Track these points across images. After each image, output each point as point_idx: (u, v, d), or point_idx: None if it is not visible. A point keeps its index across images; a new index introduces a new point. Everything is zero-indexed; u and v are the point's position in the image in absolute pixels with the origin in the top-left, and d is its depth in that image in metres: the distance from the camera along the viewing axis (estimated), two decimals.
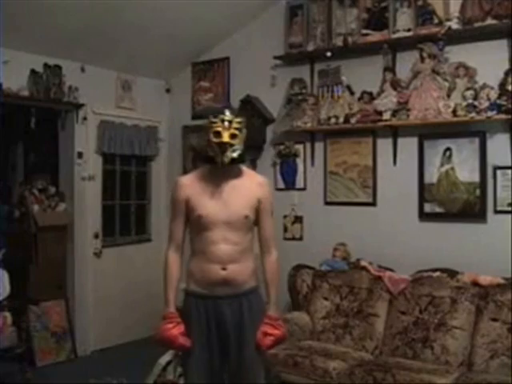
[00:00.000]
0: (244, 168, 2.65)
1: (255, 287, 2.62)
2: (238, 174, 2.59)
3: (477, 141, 4.05)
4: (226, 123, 2.49)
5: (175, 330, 2.50)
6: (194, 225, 2.56)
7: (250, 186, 2.59)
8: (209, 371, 2.52)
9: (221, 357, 2.53)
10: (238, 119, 2.52)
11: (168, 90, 5.86)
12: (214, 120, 2.50)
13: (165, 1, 4.42)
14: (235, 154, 2.50)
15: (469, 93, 3.99)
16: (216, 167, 2.53)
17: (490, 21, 3.98)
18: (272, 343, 2.55)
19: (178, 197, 2.59)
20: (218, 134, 2.48)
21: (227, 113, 2.52)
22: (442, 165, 4.21)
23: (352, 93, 4.59)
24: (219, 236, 2.50)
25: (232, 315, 2.51)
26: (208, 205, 2.51)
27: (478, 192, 4.05)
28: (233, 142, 2.49)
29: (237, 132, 2.50)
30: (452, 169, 4.17)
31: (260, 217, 2.63)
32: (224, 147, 2.47)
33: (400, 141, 4.44)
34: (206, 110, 2.60)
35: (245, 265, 2.57)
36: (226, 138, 2.47)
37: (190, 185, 2.58)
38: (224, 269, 2.50)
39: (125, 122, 5.41)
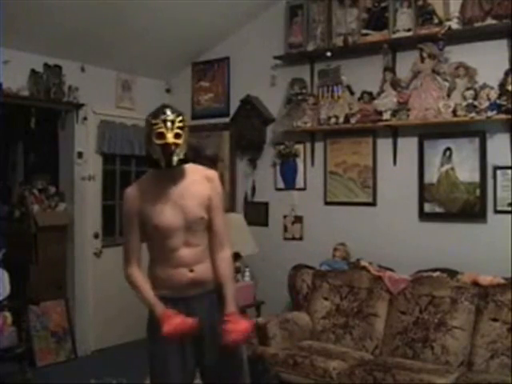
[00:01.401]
0: (189, 165, 2.49)
1: (219, 285, 2.55)
2: (184, 173, 2.46)
3: (477, 141, 4.05)
4: (169, 123, 2.34)
5: (178, 317, 2.36)
6: (152, 234, 2.45)
7: (199, 184, 2.47)
8: (181, 374, 2.45)
9: (194, 357, 2.47)
10: (181, 118, 2.38)
11: (168, 90, 5.86)
12: (155, 121, 2.35)
13: (165, 1, 4.42)
14: (182, 155, 2.38)
15: (469, 93, 3.99)
16: (162, 171, 2.40)
17: (489, 21, 3.98)
18: (240, 337, 2.42)
19: (130, 210, 2.45)
20: (162, 136, 2.34)
21: (168, 112, 2.37)
22: (442, 165, 4.21)
23: (352, 93, 4.59)
24: (180, 241, 2.42)
25: (205, 314, 2.45)
26: (163, 212, 2.40)
27: (477, 192, 4.05)
28: (178, 142, 2.35)
29: (180, 131, 2.36)
30: (452, 169, 4.17)
31: (211, 214, 2.49)
32: (169, 149, 2.33)
33: (400, 141, 4.44)
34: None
35: (208, 264, 2.50)
36: (170, 139, 2.33)
37: (140, 195, 2.44)
38: (192, 271, 2.43)
39: (125, 122, 5.41)
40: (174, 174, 2.44)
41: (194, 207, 2.44)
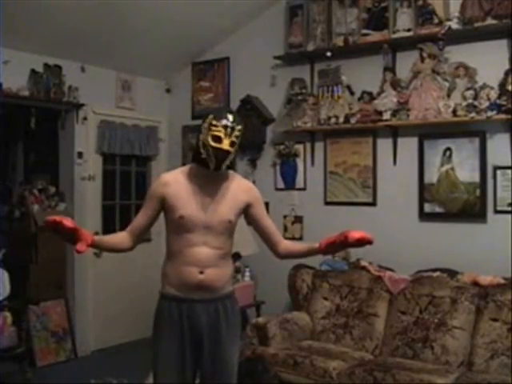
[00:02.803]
0: (230, 171, 2.56)
1: (231, 292, 2.56)
2: (224, 177, 2.50)
3: (477, 141, 4.05)
4: (229, 130, 2.37)
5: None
6: (174, 225, 2.46)
7: (236, 191, 2.51)
8: (180, 375, 2.45)
9: (193, 361, 2.46)
10: (240, 127, 2.41)
11: (168, 90, 5.86)
12: (216, 123, 2.38)
13: (165, 1, 4.42)
14: (228, 162, 2.42)
15: (469, 93, 3.99)
16: (204, 169, 2.43)
17: (490, 21, 3.99)
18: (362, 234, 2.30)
19: (156, 194, 2.48)
20: (218, 140, 2.36)
21: (231, 118, 2.39)
22: (442, 165, 4.21)
23: (352, 93, 4.59)
24: (199, 239, 2.42)
25: (207, 319, 2.44)
26: (190, 206, 2.42)
27: (477, 192, 4.05)
28: (231, 150, 2.38)
29: (236, 140, 2.40)
30: (452, 169, 4.17)
31: (259, 218, 2.58)
32: (222, 155, 2.37)
33: (400, 141, 4.44)
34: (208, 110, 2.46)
35: (223, 270, 2.49)
36: (226, 145, 2.36)
37: (173, 184, 2.46)
38: (201, 272, 2.42)
39: (125, 121, 5.41)
40: (215, 175, 2.46)
41: (223, 209, 2.46)
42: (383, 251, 4.35)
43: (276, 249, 2.61)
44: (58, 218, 2.23)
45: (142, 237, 2.60)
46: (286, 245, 2.62)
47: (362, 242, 2.30)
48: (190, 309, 2.44)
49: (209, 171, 2.42)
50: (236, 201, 2.50)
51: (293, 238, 4.96)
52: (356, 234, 2.28)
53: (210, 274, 2.43)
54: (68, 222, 2.24)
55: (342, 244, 2.33)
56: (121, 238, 2.55)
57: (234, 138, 2.39)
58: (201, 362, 2.48)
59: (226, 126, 2.37)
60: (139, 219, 2.54)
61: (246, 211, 2.56)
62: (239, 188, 2.53)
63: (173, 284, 2.47)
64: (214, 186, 2.47)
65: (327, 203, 4.80)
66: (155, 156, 5.76)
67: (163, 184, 2.47)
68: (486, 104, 3.91)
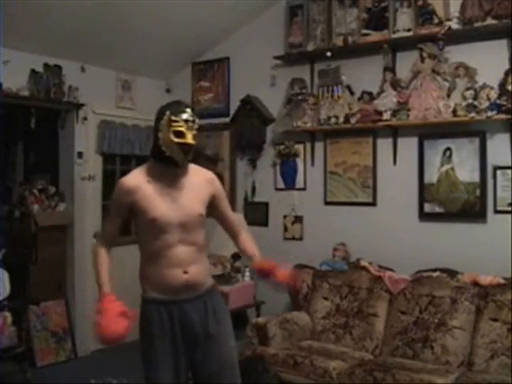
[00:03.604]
0: (190, 164, 2.54)
1: (213, 285, 2.57)
2: (185, 171, 2.48)
3: (477, 141, 4.05)
4: (190, 123, 2.38)
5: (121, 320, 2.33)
6: (147, 228, 2.42)
7: (200, 183, 2.51)
8: (175, 378, 2.43)
9: (187, 362, 2.45)
10: (197, 119, 2.43)
11: (168, 90, 5.86)
12: (176, 118, 2.36)
13: (165, 1, 4.42)
14: (191, 156, 2.44)
15: (469, 93, 3.99)
16: (167, 167, 2.41)
17: (490, 21, 3.98)
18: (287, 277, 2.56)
19: (121, 200, 2.44)
20: (181, 135, 2.35)
21: (190, 111, 2.40)
22: (442, 165, 4.21)
23: (352, 93, 4.59)
24: (176, 238, 2.40)
25: (198, 317, 2.44)
26: (161, 206, 2.39)
27: (477, 192, 4.05)
28: (194, 142, 2.39)
29: (196, 132, 2.41)
30: (452, 169, 4.17)
31: (221, 209, 2.61)
32: (188, 149, 2.37)
33: (400, 141, 4.44)
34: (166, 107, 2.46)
35: (203, 265, 2.50)
36: (190, 139, 2.36)
37: (137, 187, 2.41)
38: (186, 272, 2.40)
39: (125, 121, 5.41)
40: (177, 171, 2.44)
41: (192, 203, 2.45)
42: (383, 251, 4.37)
43: (235, 240, 2.70)
44: None
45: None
46: (242, 240, 2.68)
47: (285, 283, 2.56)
48: (180, 310, 2.42)
49: (172, 168, 2.41)
50: (202, 193, 2.50)
51: (293, 238, 4.97)
52: (282, 278, 2.51)
53: (193, 272, 2.43)
54: None
55: (269, 276, 2.52)
56: (107, 258, 2.55)
57: (194, 131, 2.40)
58: (196, 361, 2.45)
59: (186, 120, 2.37)
60: (109, 229, 2.54)
61: (211, 202, 2.56)
62: (202, 179, 2.53)
63: (157, 287, 2.45)
64: (178, 182, 2.45)
65: (327, 203, 4.80)
66: None
67: (127, 190, 2.42)
68: (486, 104, 3.91)
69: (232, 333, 2.59)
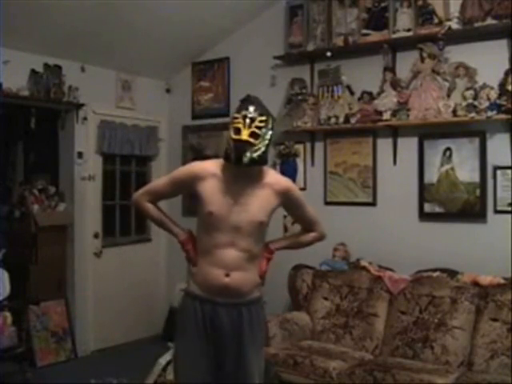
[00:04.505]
0: (268, 169, 2.45)
1: (258, 298, 2.46)
2: (259, 175, 2.38)
3: (477, 141, 4.05)
4: (248, 120, 2.28)
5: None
6: (204, 221, 2.38)
7: (270, 191, 2.39)
8: (202, 374, 2.36)
9: (215, 362, 2.37)
10: (262, 117, 2.31)
11: (168, 90, 5.86)
12: (236, 115, 2.32)
13: (165, 1, 4.42)
14: (255, 155, 2.27)
15: (469, 93, 3.99)
16: (233, 166, 2.32)
17: (489, 21, 3.99)
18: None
19: (185, 178, 2.44)
20: (238, 131, 2.28)
21: (251, 109, 2.32)
22: (442, 165, 4.21)
23: (352, 93, 4.59)
24: (227, 239, 2.32)
25: (230, 325, 2.35)
26: (220, 203, 2.32)
27: (478, 192, 4.05)
28: (252, 141, 2.26)
29: (258, 131, 2.28)
30: (452, 169, 4.17)
31: (296, 216, 2.62)
32: (241, 146, 2.26)
33: (400, 141, 4.44)
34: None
35: (250, 274, 2.40)
36: (244, 136, 2.26)
37: (205, 176, 2.36)
38: (227, 275, 2.33)
39: (125, 121, 5.41)
40: (248, 173, 2.36)
41: (255, 209, 2.36)
42: (383, 251, 4.37)
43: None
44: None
45: None
46: (305, 234, 2.65)
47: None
48: (213, 311, 2.36)
49: (236, 167, 2.32)
50: (269, 201, 2.40)
51: None
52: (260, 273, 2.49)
53: (235, 277, 2.34)
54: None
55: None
56: (158, 209, 2.56)
57: (254, 129, 2.28)
58: (223, 365, 2.38)
59: (244, 116, 2.30)
60: (159, 189, 2.54)
61: (287, 208, 2.56)
62: (274, 187, 2.41)
63: (198, 283, 2.40)
64: (245, 184, 2.36)
65: (327, 203, 4.80)
66: (155, 156, 5.76)
67: (196, 175, 2.40)
68: (485, 104, 3.91)
69: (263, 350, 2.52)
